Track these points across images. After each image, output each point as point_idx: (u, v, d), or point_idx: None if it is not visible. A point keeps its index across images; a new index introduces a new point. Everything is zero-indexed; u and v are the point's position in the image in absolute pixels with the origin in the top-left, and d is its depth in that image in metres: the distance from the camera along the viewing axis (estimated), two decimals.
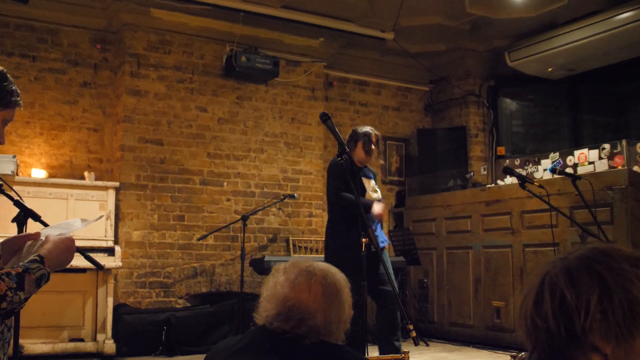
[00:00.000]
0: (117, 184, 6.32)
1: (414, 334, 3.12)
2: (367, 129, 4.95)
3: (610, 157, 6.34)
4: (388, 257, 5.03)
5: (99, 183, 6.21)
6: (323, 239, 7.51)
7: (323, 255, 7.30)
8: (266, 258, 6.18)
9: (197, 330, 6.32)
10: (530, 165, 7.24)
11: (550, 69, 7.77)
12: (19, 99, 1.96)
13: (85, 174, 6.47)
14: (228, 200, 7.08)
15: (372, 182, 5.01)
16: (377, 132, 4.98)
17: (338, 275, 1.80)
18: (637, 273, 1.03)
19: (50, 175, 6.45)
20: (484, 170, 8.13)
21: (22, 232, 2.81)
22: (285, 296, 1.70)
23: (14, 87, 1.97)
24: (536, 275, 1.12)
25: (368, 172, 5.06)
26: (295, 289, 1.71)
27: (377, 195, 4.95)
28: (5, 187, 2.94)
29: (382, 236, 4.93)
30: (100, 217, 2.14)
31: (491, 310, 6.81)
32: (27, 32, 6.60)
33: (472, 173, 8.03)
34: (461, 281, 7.24)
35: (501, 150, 8.28)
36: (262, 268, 6.18)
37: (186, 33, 6.97)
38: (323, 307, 1.70)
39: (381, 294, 4.75)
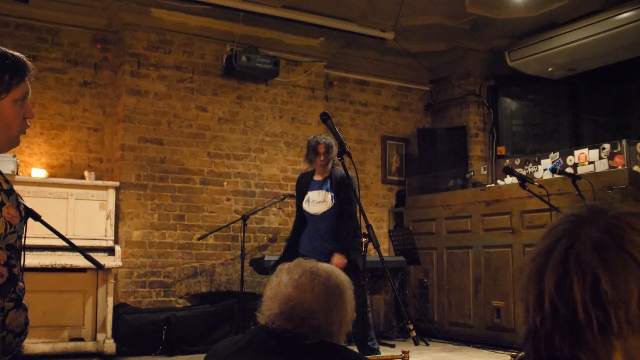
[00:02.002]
0: (117, 183, 6.32)
1: (413, 333, 3.12)
2: (318, 137, 4.96)
3: (611, 157, 6.34)
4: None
5: (99, 183, 6.21)
6: None
7: None
8: (266, 258, 6.18)
9: (197, 329, 6.32)
10: (531, 165, 7.24)
11: (550, 69, 7.77)
12: (23, 68, 1.93)
13: (86, 173, 6.47)
14: (228, 199, 7.08)
15: (323, 192, 4.95)
16: (326, 140, 4.91)
17: (342, 276, 1.80)
18: None
19: (51, 175, 6.45)
20: (484, 170, 8.13)
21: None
22: (288, 295, 1.71)
23: (12, 61, 1.94)
24: (555, 242, 0.94)
25: (324, 183, 5.00)
26: (298, 288, 1.72)
27: (321, 206, 4.93)
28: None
29: (324, 247, 4.89)
30: None
31: (491, 310, 6.81)
32: (27, 31, 6.60)
33: (472, 173, 8.03)
34: (461, 281, 7.24)
35: (501, 150, 8.28)
36: (262, 268, 6.19)
37: (186, 33, 6.97)
38: (325, 308, 1.70)
39: None
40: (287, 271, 1.78)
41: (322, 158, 4.87)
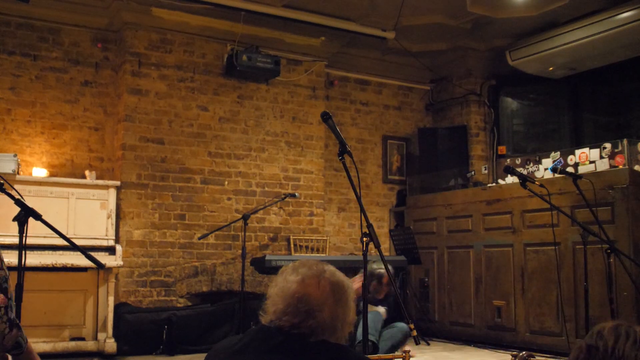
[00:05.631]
0: (118, 183, 6.33)
1: (414, 333, 3.12)
2: (380, 270, 5.19)
3: (611, 156, 6.34)
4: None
5: (100, 182, 6.21)
6: (324, 237, 7.53)
7: (324, 255, 7.32)
8: (267, 257, 6.19)
9: (198, 329, 6.32)
10: (531, 164, 7.24)
11: (551, 68, 7.77)
12: None
13: (86, 172, 6.47)
14: (229, 199, 7.08)
15: (383, 308, 5.43)
16: (389, 271, 4.71)
17: (347, 280, 1.84)
18: None
19: (51, 174, 6.45)
20: (485, 170, 8.12)
21: (23, 230, 2.81)
22: (295, 291, 1.74)
23: None
24: None
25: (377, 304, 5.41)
26: (304, 284, 1.75)
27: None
28: (6, 186, 2.94)
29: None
30: None
31: (492, 310, 6.81)
32: (28, 31, 6.60)
33: (473, 172, 8.03)
34: (462, 280, 7.24)
35: (502, 149, 8.28)
36: (263, 267, 6.19)
37: (187, 32, 6.97)
38: (331, 301, 1.73)
39: None
40: (292, 269, 1.81)
41: (385, 289, 5.29)
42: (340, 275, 1.82)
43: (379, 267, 5.20)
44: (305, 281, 1.75)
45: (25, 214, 2.80)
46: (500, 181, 7.38)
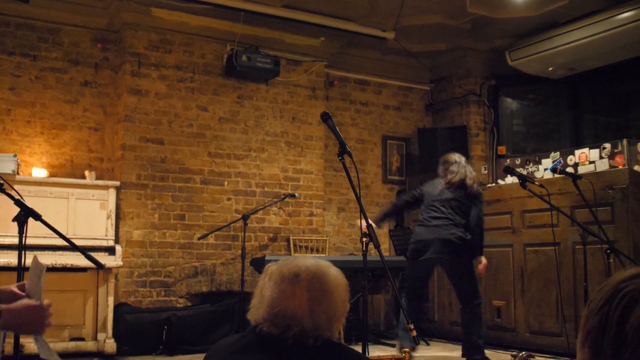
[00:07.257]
0: (117, 183, 6.33)
1: (414, 333, 3.12)
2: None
3: (611, 156, 6.34)
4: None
5: (100, 182, 6.21)
6: (324, 238, 7.53)
7: (323, 255, 7.31)
8: (267, 257, 6.19)
9: (198, 329, 6.32)
10: (531, 164, 7.24)
11: (551, 69, 7.77)
12: None
13: (86, 173, 6.47)
14: (229, 199, 7.08)
15: None
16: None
17: (329, 274, 1.76)
18: None
19: (51, 175, 6.45)
20: (485, 170, 8.12)
21: (23, 231, 2.81)
22: (272, 303, 1.70)
23: None
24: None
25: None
26: (280, 295, 1.70)
27: None
28: (5, 186, 2.94)
29: None
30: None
31: (492, 310, 6.81)
32: (28, 31, 6.60)
33: None
34: None
35: (502, 149, 8.27)
36: (262, 267, 6.17)
37: (187, 32, 6.97)
38: (308, 313, 1.68)
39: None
40: (269, 275, 1.76)
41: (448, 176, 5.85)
42: (319, 277, 1.73)
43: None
44: (281, 292, 1.70)
45: (25, 214, 2.80)
46: (500, 181, 7.38)
